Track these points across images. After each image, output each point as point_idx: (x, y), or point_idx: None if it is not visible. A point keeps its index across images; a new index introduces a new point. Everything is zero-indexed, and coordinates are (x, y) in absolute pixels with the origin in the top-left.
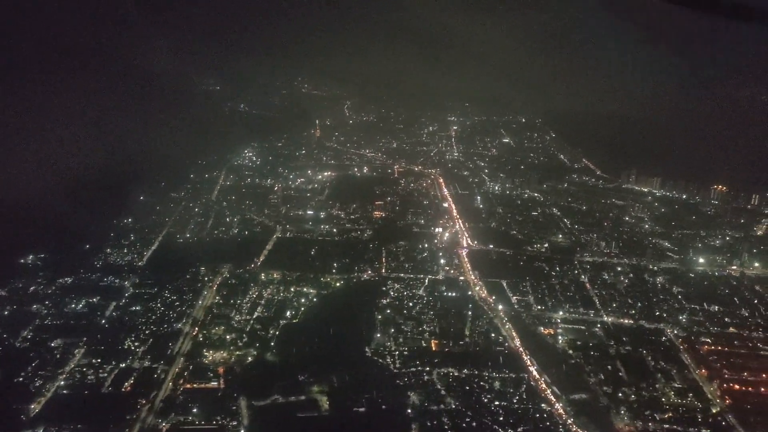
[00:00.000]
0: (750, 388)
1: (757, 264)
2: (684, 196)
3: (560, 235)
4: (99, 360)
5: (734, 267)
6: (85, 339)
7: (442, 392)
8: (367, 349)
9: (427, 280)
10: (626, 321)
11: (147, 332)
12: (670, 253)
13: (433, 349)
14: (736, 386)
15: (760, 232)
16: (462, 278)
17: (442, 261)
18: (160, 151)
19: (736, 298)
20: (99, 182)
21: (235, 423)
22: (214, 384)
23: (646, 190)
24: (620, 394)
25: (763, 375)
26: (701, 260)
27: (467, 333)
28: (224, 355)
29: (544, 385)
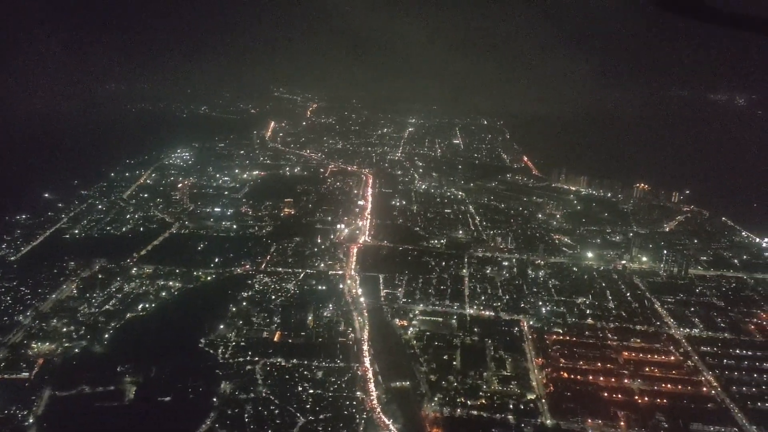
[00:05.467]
0: (578, 377)
1: (645, 258)
2: (609, 194)
3: (461, 232)
4: None
5: (623, 261)
6: None
7: (259, 381)
8: (202, 341)
9: (302, 275)
10: (487, 313)
11: None
12: (566, 249)
13: (275, 340)
14: (565, 374)
15: (668, 228)
16: (340, 272)
17: (327, 256)
18: (79, 150)
19: (608, 291)
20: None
21: (25, 412)
22: (24, 375)
23: (573, 188)
24: (443, 383)
25: (598, 364)
26: (591, 255)
27: (311, 325)
28: (51, 347)
29: (370, 374)
